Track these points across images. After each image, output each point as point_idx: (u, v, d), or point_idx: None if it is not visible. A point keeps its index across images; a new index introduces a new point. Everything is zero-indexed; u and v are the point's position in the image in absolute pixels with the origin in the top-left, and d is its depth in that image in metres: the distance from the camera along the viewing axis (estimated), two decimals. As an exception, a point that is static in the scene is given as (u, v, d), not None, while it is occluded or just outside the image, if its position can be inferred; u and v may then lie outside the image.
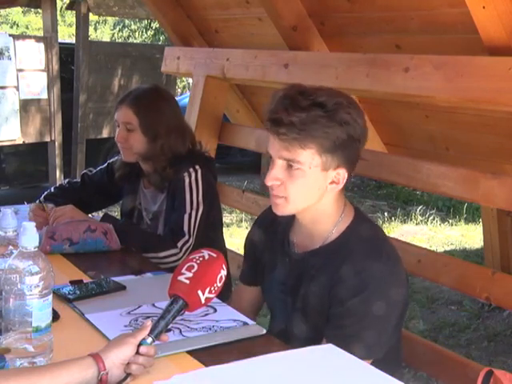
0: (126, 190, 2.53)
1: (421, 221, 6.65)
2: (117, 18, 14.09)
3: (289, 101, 1.53)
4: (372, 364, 1.56)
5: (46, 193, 2.54)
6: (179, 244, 2.22)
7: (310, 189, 1.57)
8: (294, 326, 1.70)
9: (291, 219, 1.74)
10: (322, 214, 1.64)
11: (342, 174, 1.58)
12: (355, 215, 1.67)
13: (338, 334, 1.58)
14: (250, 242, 1.92)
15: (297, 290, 1.68)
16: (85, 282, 1.84)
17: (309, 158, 1.53)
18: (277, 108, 1.53)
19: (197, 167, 2.31)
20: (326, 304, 1.61)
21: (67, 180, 2.66)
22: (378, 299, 1.54)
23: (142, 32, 14.73)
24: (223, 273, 1.45)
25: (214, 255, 1.46)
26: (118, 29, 15.13)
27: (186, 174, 2.29)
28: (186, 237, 2.24)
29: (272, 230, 1.81)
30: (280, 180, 1.56)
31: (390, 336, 1.63)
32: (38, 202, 2.46)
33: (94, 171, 2.60)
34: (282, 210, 1.61)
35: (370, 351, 1.57)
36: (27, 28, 17.42)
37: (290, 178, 1.56)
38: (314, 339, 1.64)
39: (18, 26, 17.48)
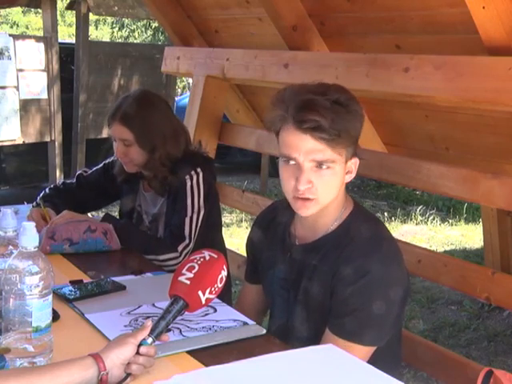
0: (125, 190, 2.52)
1: (421, 221, 6.65)
2: (116, 17, 14.07)
3: (313, 104, 1.53)
4: (372, 357, 1.57)
5: (41, 194, 2.50)
6: (179, 248, 2.22)
7: (337, 184, 1.60)
8: (295, 319, 1.71)
9: (291, 215, 1.75)
10: (329, 207, 1.65)
11: (355, 162, 1.64)
12: (354, 206, 1.71)
13: (340, 322, 1.59)
14: (249, 242, 1.94)
15: (299, 283, 1.69)
16: (85, 282, 1.84)
17: (342, 155, 1.57)
18: (306, 114, 1.52)
19: (198, 170, 2.30)
20: (327, 294, 1.63)
21: (62, 181, 2.62)
22: (379, 285, 1.56)
23: (142, 32, 14.73)
24: (224, 273, 1.45)
25: (215, 256, 1.46)
26: (117, 27, 15.11)
27: (187, 177, 2.28)
28: (187, 241, 2.24)
29: (271, 228, 1.83)
30: (311, 182, 1.57)
31: (392, 323, 1.64)
32: (35, 203, 2.43)
33: (90, 172, 2.58)
34: (311, 210, 1.62)
35: (372, 339, 1.59)
36: (27, 28, 17.41)
37: (320, 179, 1.57)
38: (315, 331, 1.66)
39: (18, 25, 17.47)
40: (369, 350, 1.58)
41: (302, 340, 1.66)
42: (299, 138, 1.55)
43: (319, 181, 1.57)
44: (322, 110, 1.52)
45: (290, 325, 1.73)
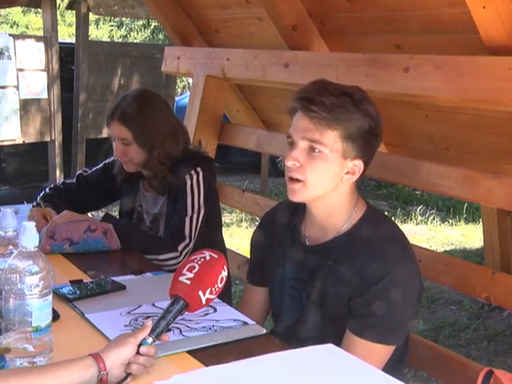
0: (125, 190, 2.52)
1: (421, 221, 6.66)
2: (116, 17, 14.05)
3: (319, 86, 1.60)
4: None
5: (42, 194, 2.50)
6: (180, 248, 2.22)
7: (328, 174, 1.60)
8: (307, 319, 1.71)
9: (301, 215, 1.75)
10: (336, 206, 1.66)
11: (359, 166, 1.63)
12: (367, 208, 1.71)
13: (363, 323, 1.59)
14: (254, 244, 1.94)
15: (311, 283, 1.69)
16: (85, 281, 1.84)
17: (332, 140, 1.57)
18: (307, 90, 1.60)
19: (198, 169, 2.30)
20: (344, 295, 1.63)
21: (62, 181, 2.63)
22: (400, 285, 1.57)
23: (141, 30, 14.73)
24: (224, 274, 1.45)
25: (215, 256, 1.46)
26: (116, 26, 15.12)
27: (187, 177, 2.29)
28: (187, 240, 2.24)
29: (279, 228, 1.83)
30: (300, 162, 1.59)
31: (410, 321, 1.66)
32: (35, 203, 2.44)
33: (90, 172, 2.58)
34: (299, 195, 1.63)
35: (394, 338, 1.60)
36: (27, 28, 17.40)
37: (310, 162, 1.59)
38: (326, 331, 1.66)
39: (18, 25, 17.46)
40: (390, 350, 1.60)
41: (313, 339, 1.65)
42: (297, 116, 1.61)
43: (308, 163, 1.59)
44: (325, 92, 1.58)
45: (300, 324, 1.73)
